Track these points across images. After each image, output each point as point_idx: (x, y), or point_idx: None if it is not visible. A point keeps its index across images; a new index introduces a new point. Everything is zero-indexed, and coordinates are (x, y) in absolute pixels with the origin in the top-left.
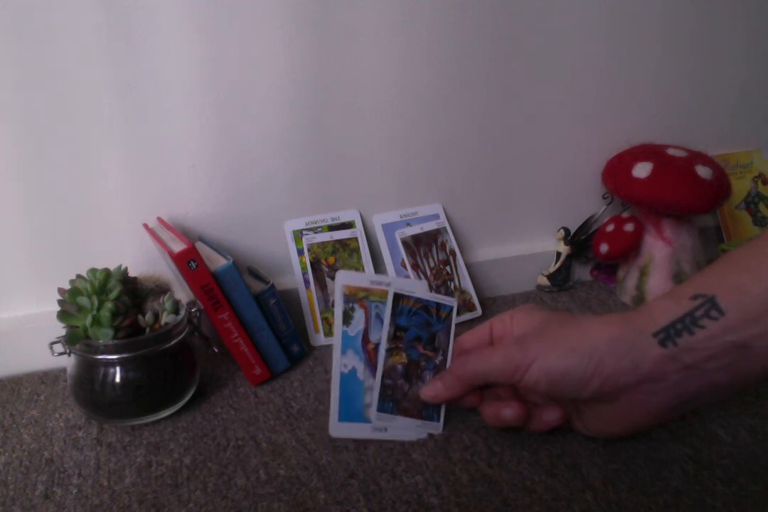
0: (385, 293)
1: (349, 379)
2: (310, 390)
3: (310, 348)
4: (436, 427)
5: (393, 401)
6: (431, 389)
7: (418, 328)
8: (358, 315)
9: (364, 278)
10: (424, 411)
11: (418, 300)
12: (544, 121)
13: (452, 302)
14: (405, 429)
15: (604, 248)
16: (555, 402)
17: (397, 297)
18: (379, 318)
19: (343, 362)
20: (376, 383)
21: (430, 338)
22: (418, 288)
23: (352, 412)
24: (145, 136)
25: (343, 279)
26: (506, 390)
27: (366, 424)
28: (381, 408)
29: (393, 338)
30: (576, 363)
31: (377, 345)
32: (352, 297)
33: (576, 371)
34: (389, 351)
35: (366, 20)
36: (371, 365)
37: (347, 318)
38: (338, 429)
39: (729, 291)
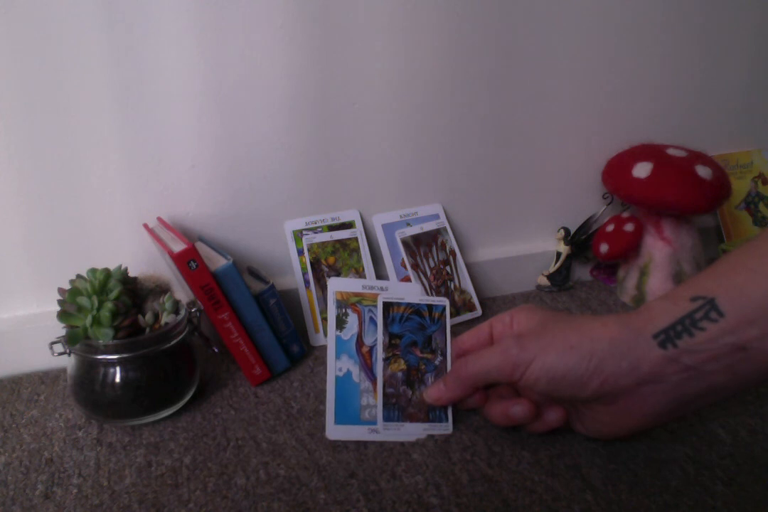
0: (377, 297)
1: (344, 382)
2: (310, 390)
3: (310, 348)
4: (446, 428)
5: (398, 409)
6: (434, 391)
7: (412, 333)
8: (351, 319)
9: (356, 284)
10: (430, 413)
11: (409, 305)
12: (545, 121)
13: (444, 301)
14: (414, 434)
15: (604, 248)
16: (555, 403)
17: (387, 306)
18: (373, 321)
19: (337, 366)
20: (379, 395)
21: (427, 341)
22: (411, 291)
23: (348, 415)
24: (145, 137)
25: (335, 286)
26: (509, 390)
27: (362, 426)
28: (387, 418)
29: (388, 347)
30: (575, 361)
31: (372, 348)
32: (344, 302)
33: (576, 370)
34: (386, 361)
35: (367, 20)
36: (366, 367)
37: (340, 323)
38: (335, 431)
39: (728, 293)
